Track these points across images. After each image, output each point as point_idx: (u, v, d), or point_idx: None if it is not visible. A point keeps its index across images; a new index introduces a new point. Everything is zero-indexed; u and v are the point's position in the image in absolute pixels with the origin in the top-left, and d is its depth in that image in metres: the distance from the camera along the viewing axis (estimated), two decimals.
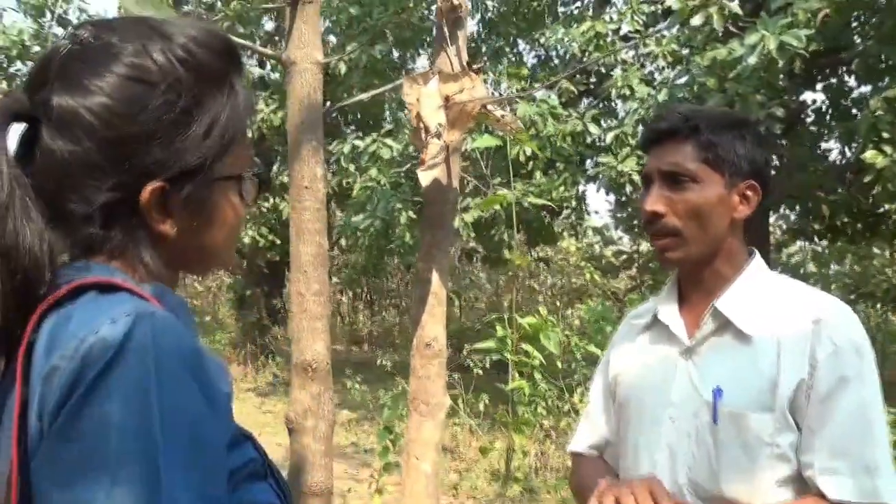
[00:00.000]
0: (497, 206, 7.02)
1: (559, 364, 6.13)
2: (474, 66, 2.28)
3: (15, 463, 0.70)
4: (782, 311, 1.35)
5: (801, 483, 1.30)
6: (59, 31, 13.00)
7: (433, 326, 2.34)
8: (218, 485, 0.74)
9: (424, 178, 2.09)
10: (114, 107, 0.77)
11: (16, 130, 0.80)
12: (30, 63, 12.58)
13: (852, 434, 1.26)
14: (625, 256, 13.67)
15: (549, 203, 7.51)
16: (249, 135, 0.94)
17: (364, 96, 2.47)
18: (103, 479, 0.65)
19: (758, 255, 1.47)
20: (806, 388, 1.28)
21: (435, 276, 2.32)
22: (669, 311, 1.49)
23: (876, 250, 11.58)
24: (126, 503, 0.65)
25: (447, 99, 2.11)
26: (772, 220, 11.06)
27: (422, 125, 2.10)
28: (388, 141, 8.93)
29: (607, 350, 1.68)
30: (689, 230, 1.38)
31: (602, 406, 1.67)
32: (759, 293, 1.39)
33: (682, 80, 7.14)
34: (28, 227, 0.75)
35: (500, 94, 9.42)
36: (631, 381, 1.54)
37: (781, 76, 6.26)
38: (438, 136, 2.07)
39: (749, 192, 1.41)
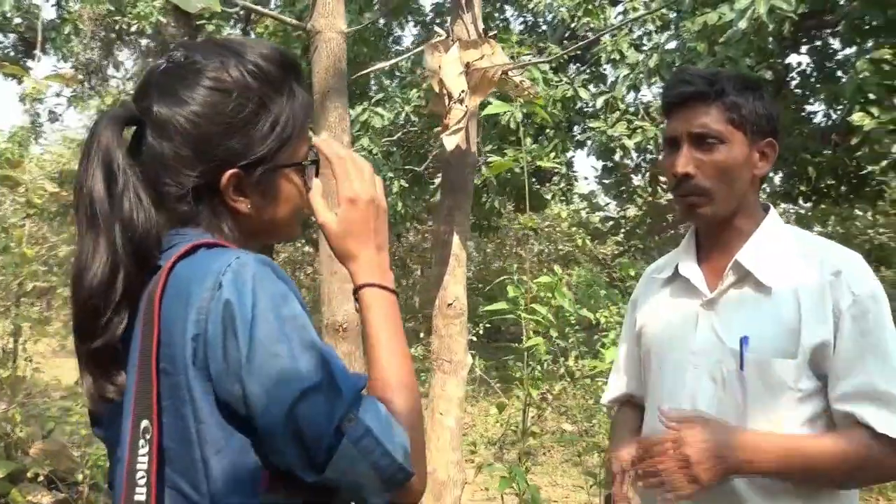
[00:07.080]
0: (489, 175, 7.05)
1: (552, 332, 6.23)
2: (490, 34, 2.34)
3: (154, 382, 0.90)
4: (800, 263, 1.43)
5: (821, 422, 1.40)
6: (37, 0, 12.75)
7: (454, 287, 2.42)
8: (334, 362, 0.94)
9: (449, 142, 2.15)
10: (199, 112, 0.98)
11: (128, 132, 1.03)
12: (10, 35, 12.39)
13: (882, 376, 1.34)
14: (612, 222, 13.74)
15: (555, 166, 7.53)
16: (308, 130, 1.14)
17: (383, 65, 2.52)
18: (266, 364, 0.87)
19: (773, 210, 1.54)
20: (831, 339, 1.36)
21: (456, 239, 2.40)
22: (689, 266, 1.57)
23: (858, 212, 11.72)
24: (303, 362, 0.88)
25: (468, 65, 2.17)
26: None
27: (445, 91, 2.16)
28: (380, 110, 8.90)
29: (629, 305, 1.77)
30: (717, 189, 1.45)
31: (626, 360, 1.77)
32: (777, 246, 1.47)
33: (672, 45, 7.18)
34: (139, 205, 0.97)
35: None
36: (654, 333, 1.62)
37: (770, 40, 6.31)
38: (461, 101, 2.14)
39: (768, 150, 1.49)
